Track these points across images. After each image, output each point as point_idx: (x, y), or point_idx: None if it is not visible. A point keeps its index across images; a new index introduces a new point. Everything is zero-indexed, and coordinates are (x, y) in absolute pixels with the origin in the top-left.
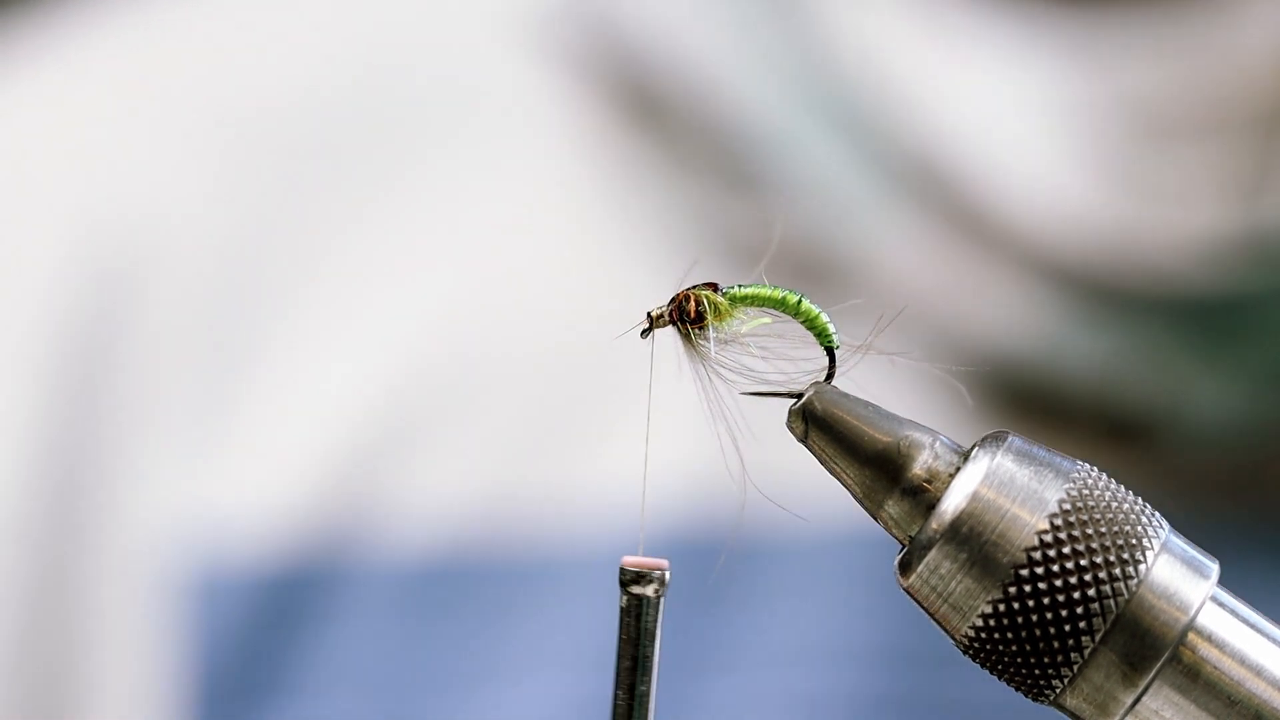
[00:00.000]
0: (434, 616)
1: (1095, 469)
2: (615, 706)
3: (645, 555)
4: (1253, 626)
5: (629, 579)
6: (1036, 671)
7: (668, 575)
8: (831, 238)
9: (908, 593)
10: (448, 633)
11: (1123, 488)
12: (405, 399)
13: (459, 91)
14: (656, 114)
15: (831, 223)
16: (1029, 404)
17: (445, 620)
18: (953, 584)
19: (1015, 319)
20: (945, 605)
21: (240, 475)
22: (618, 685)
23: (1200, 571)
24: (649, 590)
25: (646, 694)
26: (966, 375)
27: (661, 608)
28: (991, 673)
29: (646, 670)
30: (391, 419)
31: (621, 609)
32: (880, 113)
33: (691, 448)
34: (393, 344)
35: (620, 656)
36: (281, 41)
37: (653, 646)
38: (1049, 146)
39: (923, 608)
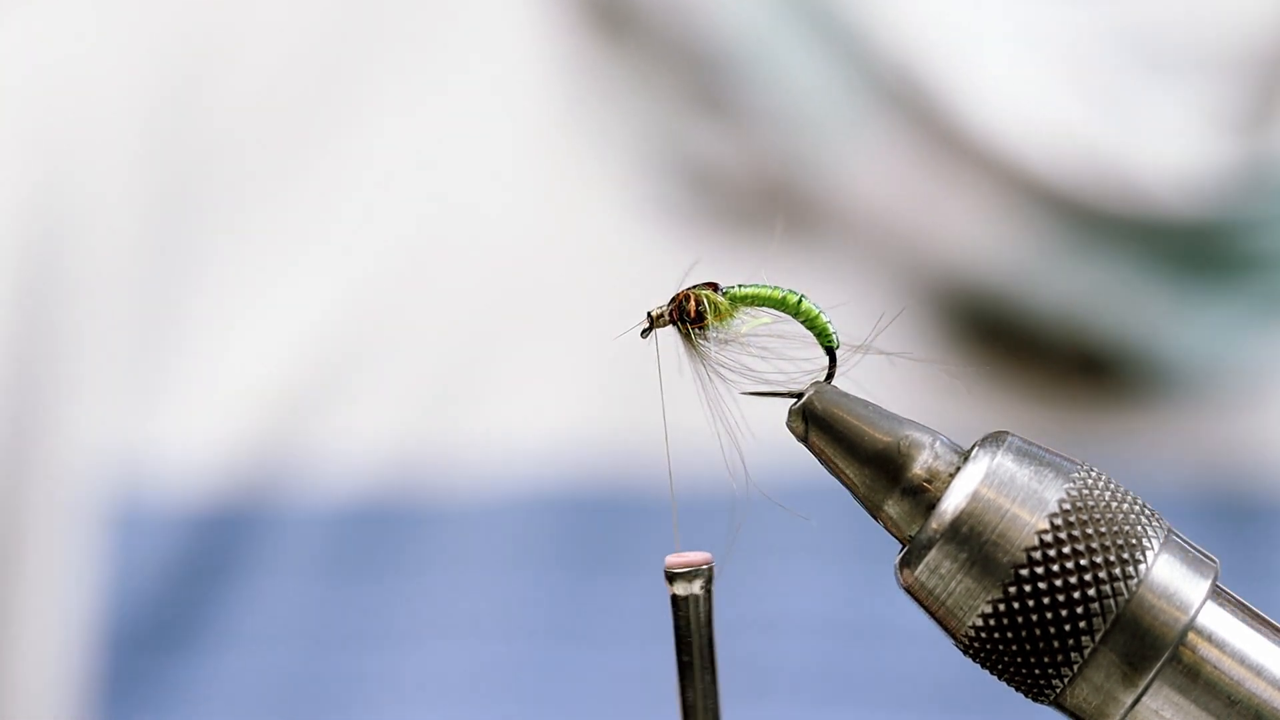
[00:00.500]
0: (354, 565)
1: (1095, 469)
2: (685, 703)
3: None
4: (1253, 626)
5: (676, 577)
6: (1037, 671)
7: (713, 570)
8: (804, 163)
9: (908, 592)
10: (366, 584)
11: (1123, 487)
12: (334, 344)
13: (420, 9)
14: (624, 25)
15: (805, 147)
16: (999, 332)
17: (364, 570)
18: (953, 583)
19: (993, 240)
20: (945, 605)
21: (170, 416)
22: (683, 681)
23: (1200, 571)
24: (696, 588)
25: (712, 686)
26: (935, 301)
27: (711, 602)
28: (991, 672)
29: (707, 664)
30: (320, 364)
31: (673, 607)
32: (862, 24)
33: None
34: (323, 289)
35: (680, 653)
36: None
37: (709, 640)
38: (1038, 68)
39: (922, 607)
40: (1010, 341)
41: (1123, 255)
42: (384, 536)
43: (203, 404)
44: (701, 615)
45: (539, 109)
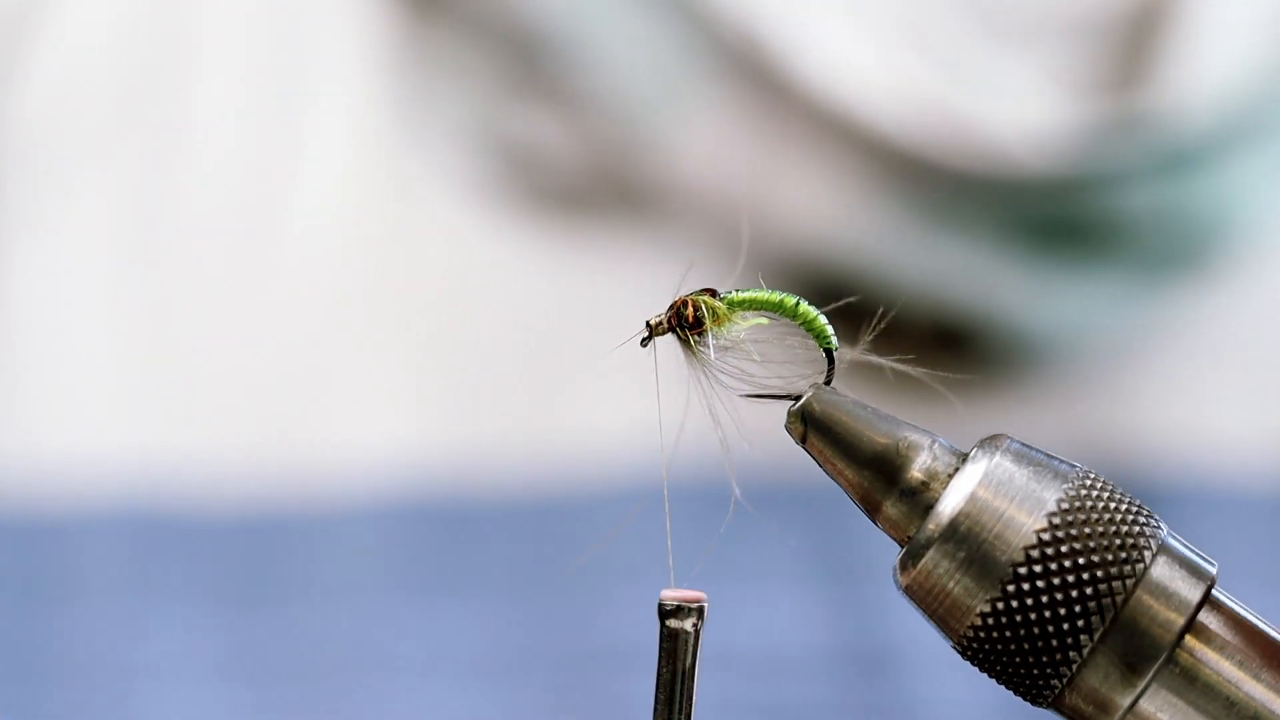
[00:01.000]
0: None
1: (1093, 471)
2: None
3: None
4: (1250, 628)
5: (667, 612)
6: (1035, 672)
7: (705, 609)
8: (636, 140)
9: (906, 593)
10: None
11: (1120, 490)
12: (156, 351)
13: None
14: (439, 9)
15: (636, 123)
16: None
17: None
18: (951, 583)
19: (840, 207)
20: (944, 605)
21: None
22: (659, 712)
23: (1197, 573)
24: (686, 625)
25: None
26: (782, 274)
27: (699, 641)
28: (989, 675)
29: (685, 704)
30: (143, 371)
31: (660, 642)
32: None
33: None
34: (145, 293)
35: (658, 688)
36: None
37: (690, 680)
38: (880, 31)
39: (921, 608)
40: (862, 315)
41: (980, 220)
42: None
43: (31, 418)
44: (686, 654)
45: (363, 101)
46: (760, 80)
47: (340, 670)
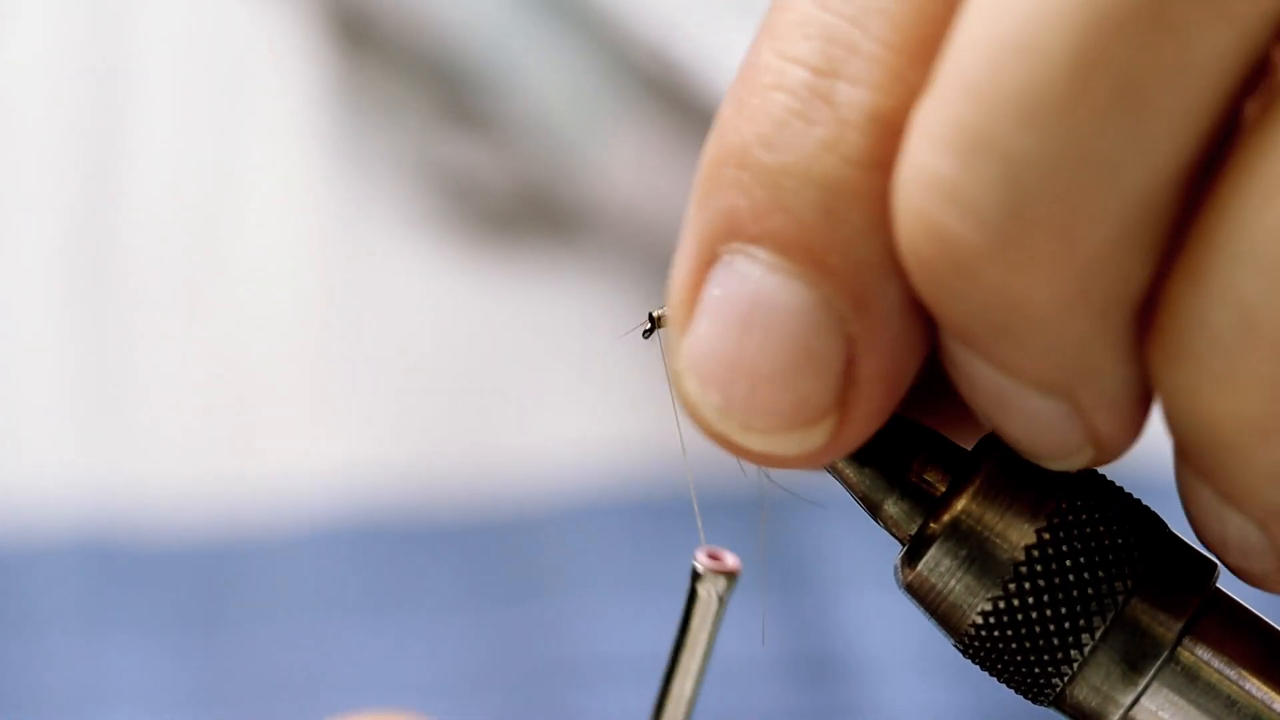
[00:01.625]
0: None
1: (1097, 470)
2: (658, 703)
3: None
4: (1251, 627)
5: (697, 575)
6: (1036, 670)
7: (737, 576)
8: (560, 164)
9: (907, 591)
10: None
11: (1123, 488)
12: (105, 379)
13: (177, 36)
14: (366, 39)
15: (560, 147)
16: None
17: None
18: (952, 581)
19: None
20: (945, 603)
21: None
22: (665, 684)
23: (1199, 570)
24: (713, 591)
25: (683, 697)
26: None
27: (724, 611)
28: (990, 673)
29: (698, 671)
30: (90, 400)
31: (685, 604)
32: (611, 11)
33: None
34: (86, 321)
35: (674, 652)
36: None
37: (708, 648)
38: None
39: (922, 607)
40: None
41: None
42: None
43: None
44: (704, 621)
45: (300, 134)
46: (678, 104)
47: (295, 692)
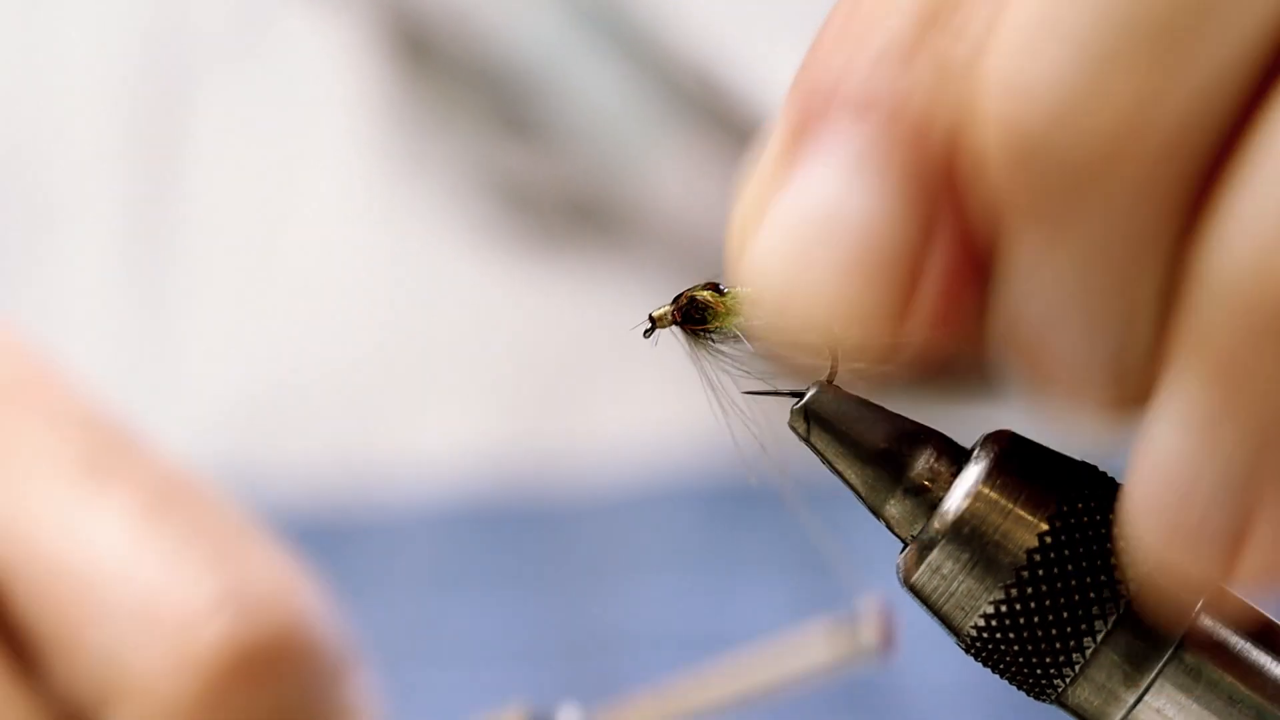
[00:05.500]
0: None
1: (1099, 468)
2: None
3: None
4: (1255, 625)
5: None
6: (1039, 670)
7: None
8: (611, 175)
9: (909, 592)
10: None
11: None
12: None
13: (236, 48)
14: (429, 53)
15: (610, 159)
16: None
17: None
18: (955, 584)
19: None
20: (948, 605)
21: None
22: None
23: None
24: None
25: None
26: None
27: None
28: (994, 671)
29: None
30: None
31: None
32: (652, 29)
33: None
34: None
35: None
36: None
37: None
38: None
39: (925, 607)
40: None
41: None
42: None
43: None
44: None
45: (361, 148)
46: (717, 116)
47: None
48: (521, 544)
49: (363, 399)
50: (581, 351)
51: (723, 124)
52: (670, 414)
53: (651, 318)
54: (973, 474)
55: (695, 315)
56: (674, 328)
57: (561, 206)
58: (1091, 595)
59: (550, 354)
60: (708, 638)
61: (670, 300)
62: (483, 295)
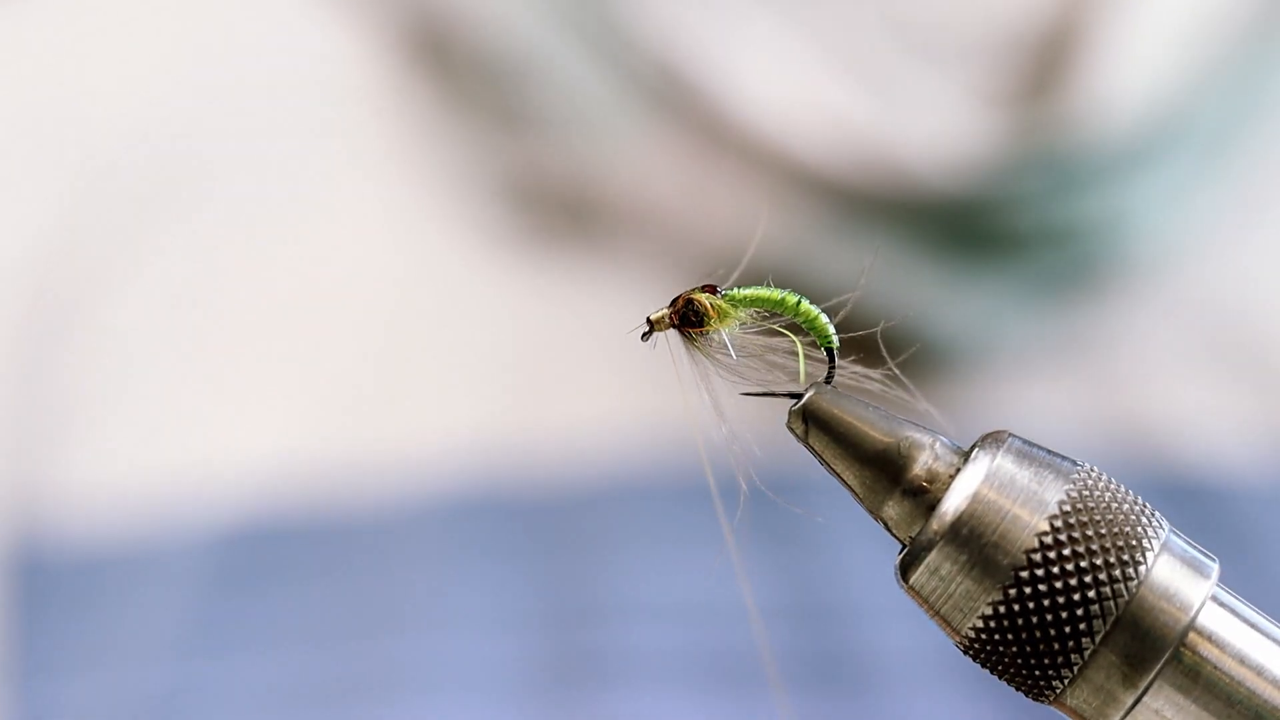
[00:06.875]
0: (259, 577)
1: (1096, 469)
2: None
3: None
4: (1253, 626)
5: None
6: (1037, 672)
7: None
8: (595, 169)
9: (908, 593)
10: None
11: (1123, 487)
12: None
13: (259, 65)
14: (443, 54)
15: (595, 153)
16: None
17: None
18: (953, 585)
19: (768, 230)
20: (946, 606)
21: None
22: None
23: (1201, 571)
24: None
25: None
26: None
27: None
28: (992, 673)
29: None
30: (207, 394)
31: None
32: (624, 25)
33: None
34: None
35: None
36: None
37: None
38: (803, 58)
39: (924, 607)
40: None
41: (890, 236)
42: (286, 548)
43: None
44: None
45: (377, 148)
46: (686, 111)
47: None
48: (515, 530)
49: (364, 392)
50: (573, 342)
51: (690, 119)
52: (665, 402)
53: (649, 320)
54: (971, 475)
55: (692, 318)
56: (670, 330)
57: (553, 201)
58: (1090, 596)
59: (544, 345)
60: (696, 612)
61: (668, 303)
62: (480, 290)
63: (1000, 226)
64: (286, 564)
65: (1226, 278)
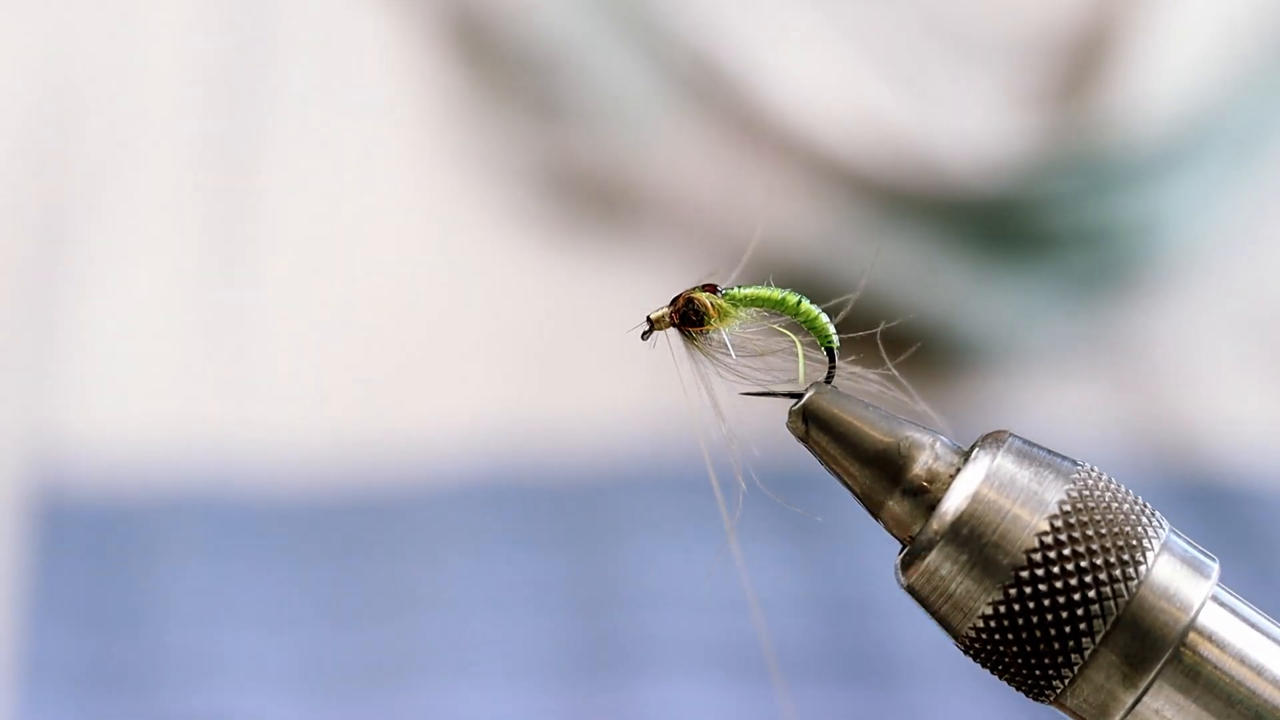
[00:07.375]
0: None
1: (1096, 469)
2: None
3: None
4: (1253, 626)
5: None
6: (1037, 672)
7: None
8: (628, 159)
9: (909, 592)
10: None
11: (1123, 487)
12: (249, 344)
13: (296, 41)
14: (481, 43)
15: (628, 144)
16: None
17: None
18: (953, 585)
19: (796, 221)
20: (946, 606)
21: (91, 404)
22: None
23: (1201, 571)
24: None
25: None
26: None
27: None
28: (992, 672)
29: None
30: (237, 362)
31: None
32: (663, 17)
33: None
34: (232, 297)
35: None
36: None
37: None
38: (840, 54)
39: (924, 607)
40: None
41: (923, 233)
42: (334, 525)
43: (118, 402)
44: None
45: (414, 134)
46: (722, 105)
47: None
48: (540, 514)
49: (392, 373)
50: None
51: (726, 112)
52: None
53: (649, 319)
54: (971, 475)
55: (693, 317)
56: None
57: (586, 190)
58: (1090, 596)
59: (573, 331)
60: (721, 600)
61: (668, 302)
62: (512, 276)
63: (1034, 226)
64: (308, 542)
65: (1259, 279)
